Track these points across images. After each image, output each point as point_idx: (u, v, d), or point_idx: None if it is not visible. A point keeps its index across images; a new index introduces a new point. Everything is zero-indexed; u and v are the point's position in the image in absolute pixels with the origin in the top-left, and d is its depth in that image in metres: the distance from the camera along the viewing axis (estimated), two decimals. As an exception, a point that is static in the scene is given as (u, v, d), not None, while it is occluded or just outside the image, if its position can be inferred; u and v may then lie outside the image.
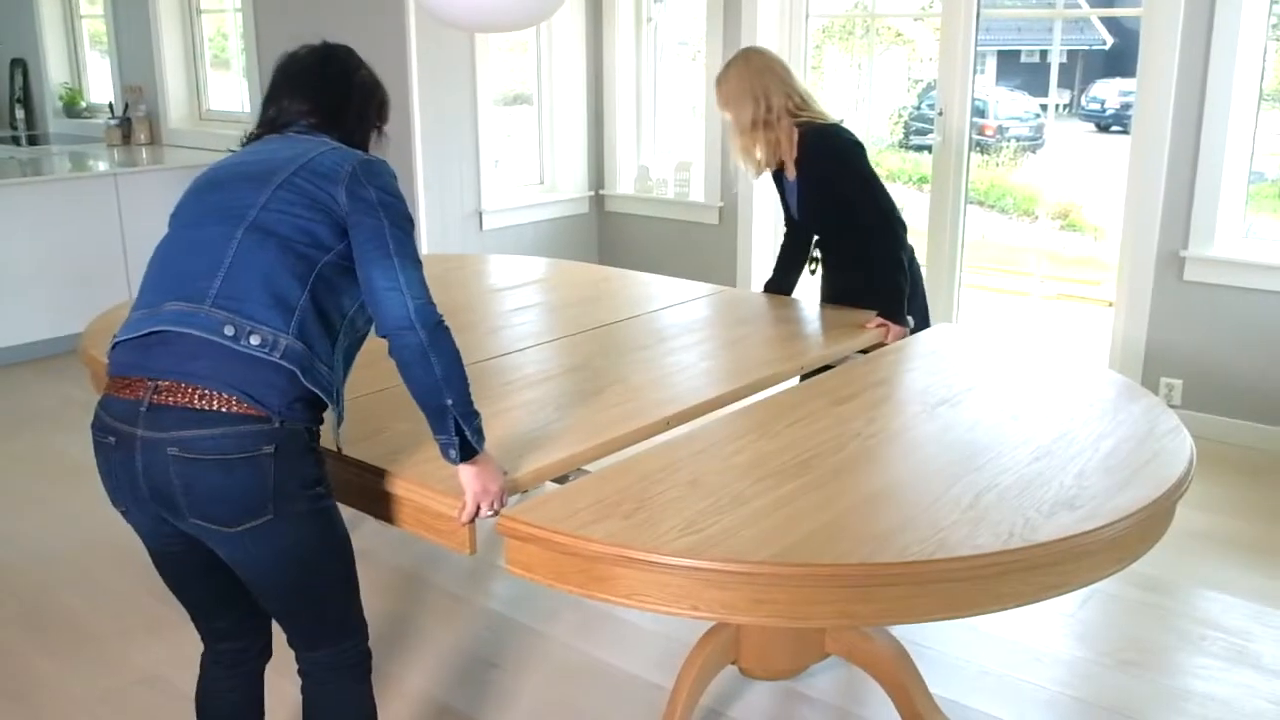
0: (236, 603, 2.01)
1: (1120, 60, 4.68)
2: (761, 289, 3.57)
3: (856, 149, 3.17)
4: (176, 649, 3.08)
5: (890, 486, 2.02)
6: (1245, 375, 4.42)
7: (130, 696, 2.88)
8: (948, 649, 3.03)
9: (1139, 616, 3.19)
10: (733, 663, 2.56)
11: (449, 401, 1.85)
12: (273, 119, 2.05)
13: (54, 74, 8.20)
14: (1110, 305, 4.77)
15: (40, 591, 3.45)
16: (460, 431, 1.87)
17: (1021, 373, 2.71)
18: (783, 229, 3.58)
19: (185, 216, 1.94)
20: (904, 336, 3.05)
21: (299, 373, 1.78)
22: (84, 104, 8.14)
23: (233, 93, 7.01)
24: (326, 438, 1.95)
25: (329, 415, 1.93)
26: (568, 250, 6.18)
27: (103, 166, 6.27)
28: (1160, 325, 4.57)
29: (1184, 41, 4.35)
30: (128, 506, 1.86)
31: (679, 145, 6.29)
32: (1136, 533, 1.92)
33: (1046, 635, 3.11)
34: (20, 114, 8.35)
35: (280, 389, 1.77)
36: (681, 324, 3.19)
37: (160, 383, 1.75)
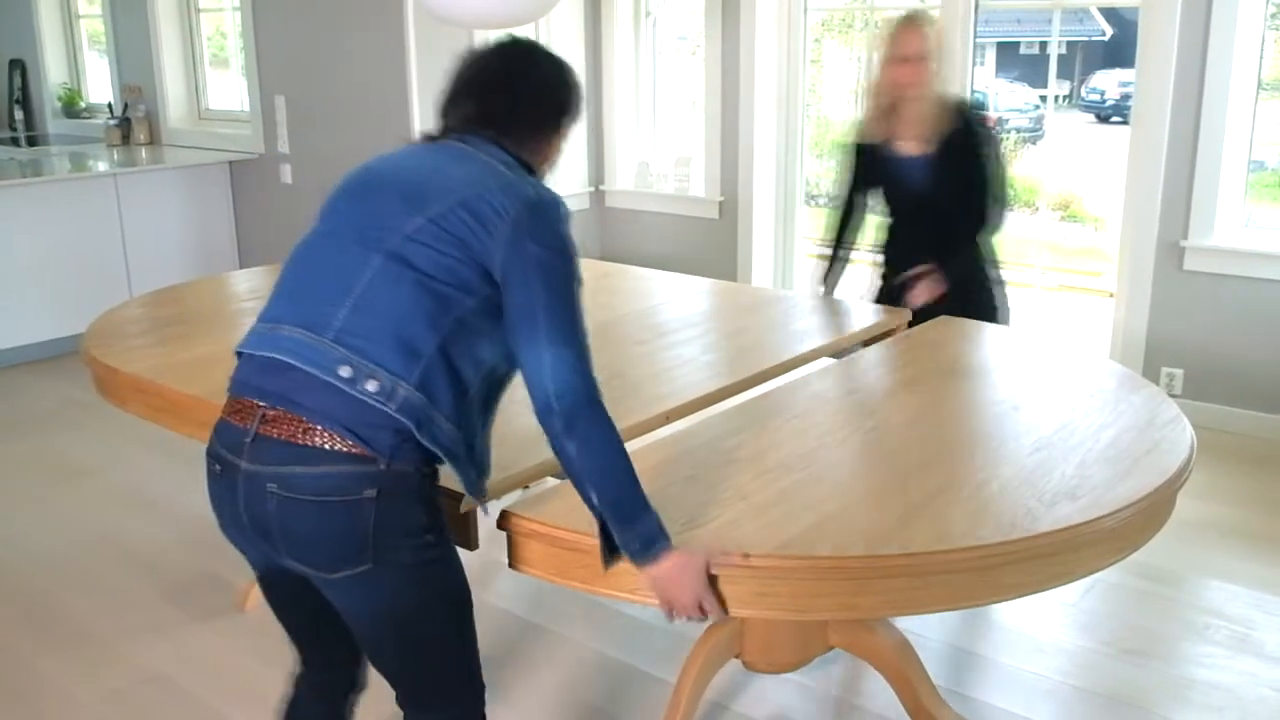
0: (338, 640, 1.90)
1: (1119, 51, 4.67)
2: (821, 283, 3.44)
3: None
4: (181, 648, 3.09)
5: (891, 479, 2.02)
6: (1246, 364, 4.41)
7: (134, 696, 2.89)
8: (950, 640, 3.04)
9: (1141, 606, 3.19)
10: (736, 656, 2.56)
11: (593, 498, 1.67)
12: (445, 125, 1.89)
13: (53, 74, 8.20)
14: (1111, 296, 4.77)
15: (42, 592, 3.45)
16: (605, 532, 1.70)
17: (1022, 364, 2.71)
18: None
19: (331, 220, 1.81)
20: (930, 294, 3.10)
21: (414, 427, 1.63)
22: (83, 104, 8.14)
23: (232, 92, 7.00)
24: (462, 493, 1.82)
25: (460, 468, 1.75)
26: (568, 246, 6.17)
27: (102, 167, 6.28)
28: (1161, 315, 4.57)
29: (1182, 31, 4.35)
30: (234, 537, 1.77)
31: (679, 140, 6.28)
32: (1137, 522, 1.92)
33: (1049, 625, 3.11)
34: (19, 115, 8.35)
35: (392, 430, 1.64)
36: (681, 318, 3.18)
37: (269, 411, 1.66)
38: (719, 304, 3.40)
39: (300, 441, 1.62)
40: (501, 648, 3.06)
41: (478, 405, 1.75)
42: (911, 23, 3.10)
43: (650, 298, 3.45)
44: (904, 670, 2.47)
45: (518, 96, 1.85)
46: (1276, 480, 4.07)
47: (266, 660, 2.90)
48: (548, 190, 1.78)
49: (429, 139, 1.88)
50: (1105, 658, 2.93)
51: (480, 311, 1.69)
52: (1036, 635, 3.07)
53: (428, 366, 1.65)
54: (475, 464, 1.77)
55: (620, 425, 2.21)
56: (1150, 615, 3.14)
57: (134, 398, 2.73)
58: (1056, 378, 2.60)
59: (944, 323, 3.07)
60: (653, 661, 2.95)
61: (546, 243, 1.69)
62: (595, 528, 1.71)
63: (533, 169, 1.86)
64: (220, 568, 3.47)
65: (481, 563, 3.41)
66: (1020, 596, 1.90)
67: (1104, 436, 2.20)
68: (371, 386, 1.62)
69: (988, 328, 3.02)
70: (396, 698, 1.88)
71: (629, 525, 1.68)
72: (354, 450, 1.62)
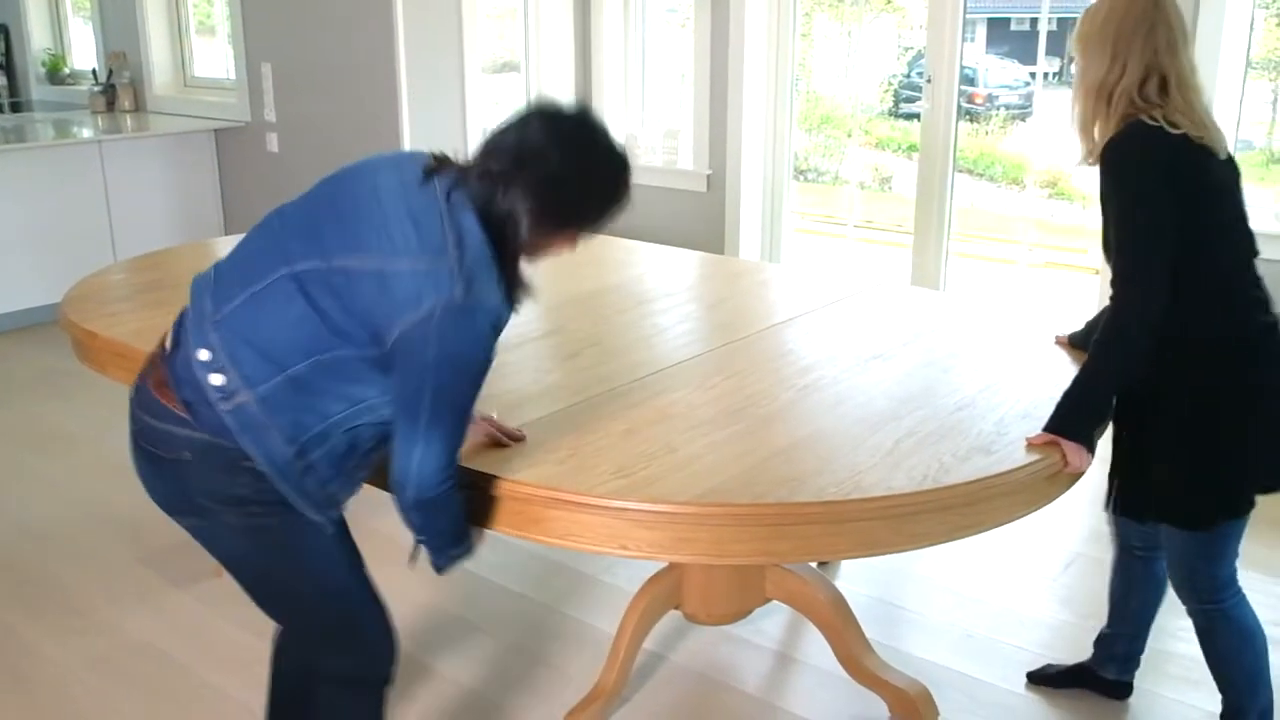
0: None
1: (1109, 27, 4.83)
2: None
3: (1142, 161, 2.17)
4: (167, 616, 3.24)
5: (815, 434, 2.22)
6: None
7: (121, 664, 3.02)
8: (931, 612, 3.23)
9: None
10: (676, 608, 2.73)
11: (420, 537, 1.94)
12: (463, 167, 1.85)
13: (37, 40, 8.33)
14: (1096, 273, 4.92)
15: (27, 561, 3.59)
16: (420, 545, 1.96)
17: (962, 329, 2.90)
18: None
19: (287, 212, 1.91)
20: (1082, 464, 2.18)
21: (235, 430, 1.77)
22: (67, 71, 8.27)
23: (217, 60, 7.15)
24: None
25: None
26: (556, 219, 6.31)
27: (87, 134, 6.43)
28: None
29: (1171, 8, 4.49)
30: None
31: (667, 112, 6.42)
32: (1046, 476, 2.11)
33: (1030, 599, 3.29)
34: (3, 81, 8.48)
35: (217, 417, 1.80)
36: (662, 289, 3.32)
37: (155, 365, 1.91)
38: (702, 275, 3.56)
39: (155, 395, 1.86)
40: (477, 614, 3.24)
41: (336, 449, 1.84)
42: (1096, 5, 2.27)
43: (633, 269, 3.59)
44: (836, 622, 2.65)
45: (550, 181, 1.81)
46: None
47: (248, 625, 2.96)
48: (485, 298, 1.75)
49: (429, 171, 1.82)
50: (1085, 631, 3.00)
51: (359, 361, 1.77)
52: (1017, 608, 3.24)
53: (285, 383, 1.77)
54: (308, 496, 1.85)
55: (595, 392, 2.43)
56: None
57: (112, 362, 2.84)
58: (992, 343, 2.79)
59: (886, 292, 3.23)
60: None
61: (453, 347, 1.73)
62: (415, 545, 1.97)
63: (512, 250, 1.83)
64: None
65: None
66: (931, 545, 2.09)
67: (1027, 396, 2.39)
68: (216, 380, 1.78)
69: (930, 295, 3.07)
70: None
71: (442, 554, 1.98)
72: (182, 415, 1.82)
